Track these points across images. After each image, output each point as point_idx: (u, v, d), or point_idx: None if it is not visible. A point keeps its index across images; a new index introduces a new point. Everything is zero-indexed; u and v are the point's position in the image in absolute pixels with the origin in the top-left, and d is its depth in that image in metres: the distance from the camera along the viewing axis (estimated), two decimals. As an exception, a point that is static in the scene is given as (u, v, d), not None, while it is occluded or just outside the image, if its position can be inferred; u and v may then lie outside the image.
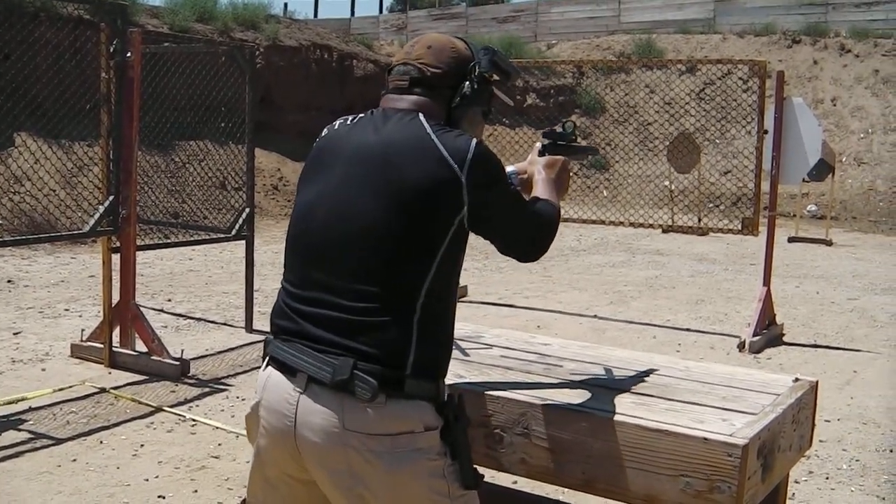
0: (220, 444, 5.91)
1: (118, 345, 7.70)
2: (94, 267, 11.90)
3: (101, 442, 5.94)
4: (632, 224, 11.15)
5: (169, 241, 8.78)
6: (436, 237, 2.55)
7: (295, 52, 21.63)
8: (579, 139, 3.29)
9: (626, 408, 2.99)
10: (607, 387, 3.23)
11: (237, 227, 8.75)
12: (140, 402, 6.73)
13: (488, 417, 3.10)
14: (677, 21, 29.84)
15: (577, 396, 3.10)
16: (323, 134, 2.82)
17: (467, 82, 2.75)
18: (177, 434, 6.11)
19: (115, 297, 7.66)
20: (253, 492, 2.80)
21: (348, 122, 2.77)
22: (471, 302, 10.85)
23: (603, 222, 11.05)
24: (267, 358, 2.67)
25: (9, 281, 11.10)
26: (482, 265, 13.62)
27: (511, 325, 9.01)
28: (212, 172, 13.66)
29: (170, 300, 10.45)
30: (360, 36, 27.40)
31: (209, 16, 21.15)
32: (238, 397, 6.91)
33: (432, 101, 2.72)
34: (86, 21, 15.54)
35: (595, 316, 10.18)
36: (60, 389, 7.00)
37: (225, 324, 9.38)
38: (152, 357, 7.48)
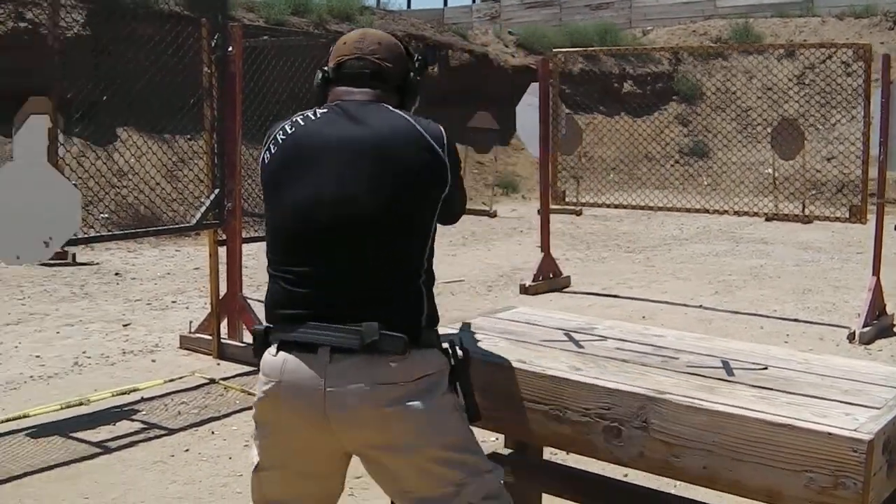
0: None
1: (226, 336, 7.80)
2: (199, 259, 12.06)
3: (213, 432, 6.03)
4: (735, 212, 11.00)
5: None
6: (432, 213, 2.91)
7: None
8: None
9: (747, 401, 2.95)
10: (726, 380, 3.20)
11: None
12: (249, 393, 6.79)
13: (606, 410, 3.09)
14: (774, 5, 29.35)
15: (696, 390, 3.06)
16: (288, 131, 2.97)
17: (412, 74, 3.09)
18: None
19: (222, 289, 7.76)
20: (266, 455, 2.95)
21: (312, 118, 2.96)
22: (574, 292, 10.82)
23: (707, 211, 10.91)
24: (275, 345, 2.85)
25: (116, 273, 11.32)
26: (584, 255, 13.58)
27: (615, 315, 8.95)
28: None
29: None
30: (454, 26, 27.39)
31: (304, 9, 21.30)
32: (344, 388, 6.96)
33: (386, 92, 3.00)
34: (184, 17, 15.73)
35: (700, 306, 10.07)
36: (171, 380, 7.12)
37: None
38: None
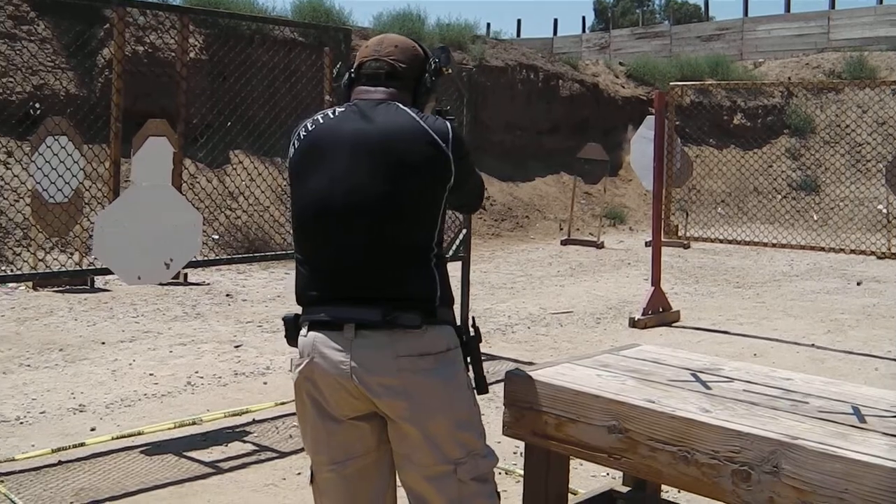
0: (439, 464, 5.94)
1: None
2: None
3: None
4: (849, 251, 10.80)
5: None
6: (437, 202, 3.18)
7: (501, 73, 21.76)
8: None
9: (881, 450, 2.87)
10: (858, 427, 3.13)
11: (454, 247, 8.81)
12: (360, 419, 6.84)
13: (736, 453, 3.04)
14: (889, 38, 28.86)
15: (830, 436, 3.00)
16: (309, 128, 3.29)
17: (427, 75, 3.35)
18: (397, 452, 6.17)
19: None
20: (314, 447, 3.26)
21: (331, 116, 3.27)
22: (684, 327, 10.69)
23: (822, 249, 10.73)
24: (305, 326, 3.15)
25: (227, 295, 11.46)
26: (693, 289, 13.43)
27: (726, 352, 8.85)
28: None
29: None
30: (564, 55, 27.38)
31: (417, 37, 21.26)
32: (455, 417, 6.95)
33: (400, 91, 3.27)
34: (299, 43, 15.98)
35: (812, 345, 9.88)
36: (282, 403, 7.15)
37: (438, 342, 9.43)
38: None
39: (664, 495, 4.35)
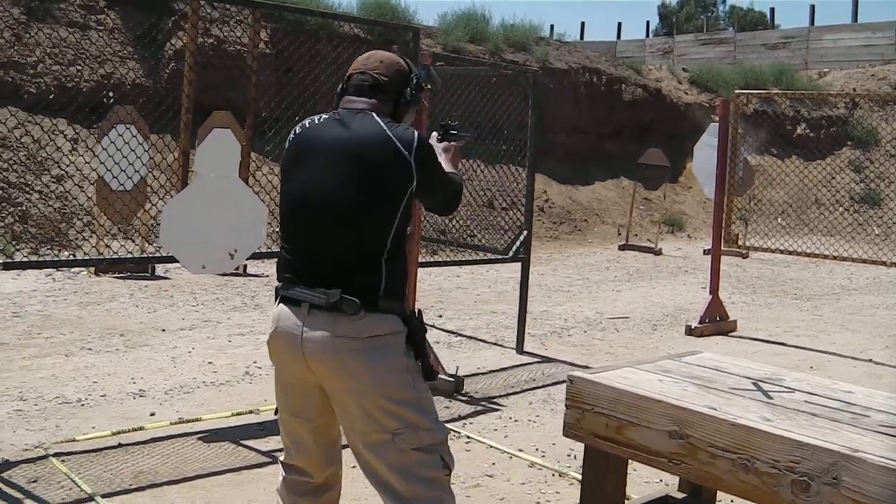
0: (493, 464, 5.97)
1: (395, 357, 7.87)
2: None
3: (379, 452, 6.08)
4: (912, 266, 10.69)
5: (452, 259, 8.92)
6: (395, 204, 3.50)
7: (564, 75, 21.73)
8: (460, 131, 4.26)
9: (944, 466, 2.88)
10: (920, 442, 3.13)
11: (514, 248, 8.83)
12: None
13: (796, 464, 3.05)
14: (958, 50, 28.51)
15: (890, 450, 3.01)
16: (297, 131, 3.70)
17: (408, 89, 3.70)
18: (452, 450, 6.18)
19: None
20: (278, 398, 3.73)
21: (317, 122, 3.66)
22: (741, 337, 10.64)
23: (884, 263, 10.63)
24: (278, 298, 3.59)
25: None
26: (750, 300, 13.36)
27: (783, 364, 8.79)
28: (481, 191, 13.83)
29: (440, 316, 10.64)
30: (627, 59, 27.27)
31: (481, 37, 21.43)
32: (511, 418, 6.98)
33: (381, 103, 3.64)
34: (364, 40, 16.04)
35: (870, 360, 9.79)
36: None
37: (496, 343, 9.48)
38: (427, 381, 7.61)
39: (719, 503, 4.36)
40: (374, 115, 3.57)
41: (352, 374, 3.43)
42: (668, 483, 5.56)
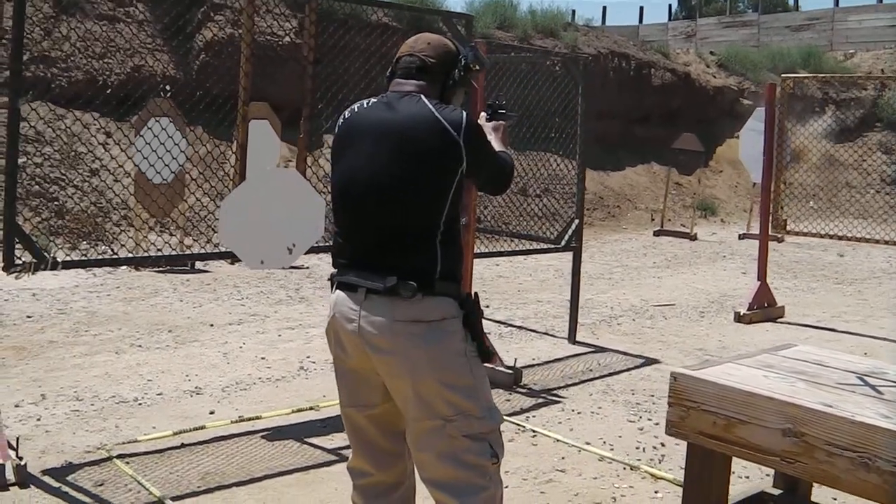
0: (563, 458, 5.87)
1: (453, 349, 7.78)
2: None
3: (446, 447, 5.99)
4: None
5: (508, 250, 8.79)
6: (446, 184, 3.49)
7: (593, 60, 21.52)
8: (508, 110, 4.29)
9: None
10: None
11: (566, 237, 8.72)
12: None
13: (924, 462, 2.94)
14: None
15: None
16: (346, 116, 3.72)
17: (456, 70, 3.70)
18: (518, 444, 6.10)
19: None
20: (339, 391, 3.76)
21: (366, 106, 3.69)
22: (789, 323, 10.52)
23: (934, 246, 10.47)
24: (334, 285, 3.63)
25: (329, 280, 11.44)
26: (792, 285, 13.22)
27: (838, 350, 8.66)
28: (515, 179, 13.69)
29: (487, 306, 10.53)
30: (654, 44, 27.08)
31: (509, 23, 21.32)
32: (573, 410, 6.87)
33: (430, 84, 3.64)
34: (391, 28, 15.92)
35: (925, 345, 9.68)
36: (397, 391, 7.14)
37: (546, 333, 9.38)
38: (485, 364, 7.51)
39: (814, 498, 4.25)
40: (421, 97, 3.57)
41: (409, 359, 3.45)
42: (743, 476, 5.46)
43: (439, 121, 3.48)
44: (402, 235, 3.51)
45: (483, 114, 4.23)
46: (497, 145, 3.93)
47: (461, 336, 3.51)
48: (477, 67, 3.77)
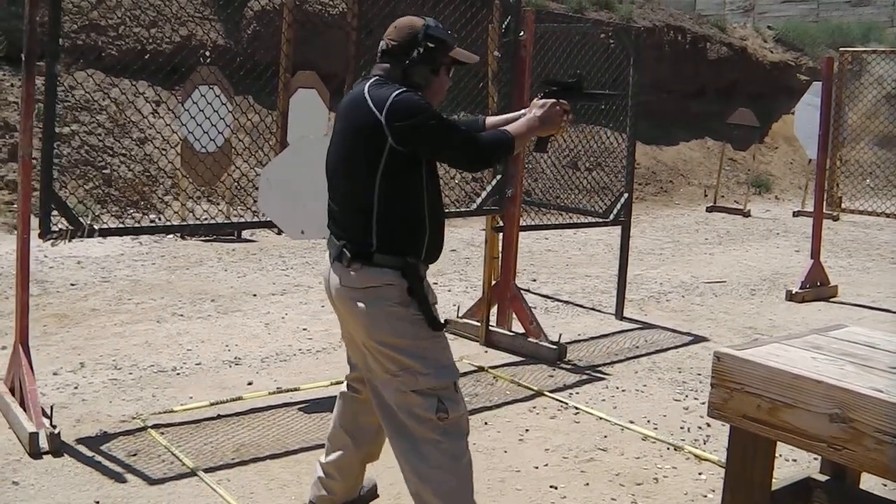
0: (605, 437, 5.75)
1: (494, 324, 7.68)
2: (454, 241, 12.07)
3: (486, 423, 5.89)
4: None
5: (553, 223, 8.67)
6: (375, 161, 3.76)
7: (649, 34, 21.22)
8: (590, 89, 4.45)
9: None
10: None
11: (615, 211, 8.56)
12: (520, 385, 6.67)
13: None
14: None
15: None
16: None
17: (415, 50, 3.86)
18: (560, 421, 5.99)
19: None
20: (342, 334, 4.23)
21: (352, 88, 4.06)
22: (843, 303, 10.31)
23: None
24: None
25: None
26: (846, 264, 12.97)
27: (891, 331, 8.44)
28: (564, 152, 13.53)
29: (534, 280, 10.41)
30: (711, 17, 26.70)
31: (555, -5, 21.07)
32: (618, 387, 6.75)
33: (392, 66, 3.91)
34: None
35: (984, 327, 9.42)
36: (439, 365, 7.04)
37: (593, 308, 9.25)
38: (529, 339, 7.42)
39: (863, 485, 4.10)
40: (373, 78, 3.89)
41: (353, 320, 3.88)
42: (790, 459, 5.32)
43: (366, 101, 3.76)
44: (346, 209, 3.91)
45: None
46: (515, 124, 4.10)
47: (401, 301, 3.80)
48: (430, 45, 3.87)
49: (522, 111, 4.33)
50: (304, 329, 7.85)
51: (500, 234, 7.63)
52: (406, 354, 3.78)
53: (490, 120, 4.46)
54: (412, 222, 3.84)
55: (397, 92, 3.74)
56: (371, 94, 3.77)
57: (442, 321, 3.92)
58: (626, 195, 8.66)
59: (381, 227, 3.78)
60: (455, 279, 10.12)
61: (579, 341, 7.96)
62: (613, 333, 8.32)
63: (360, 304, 3.80)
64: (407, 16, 4.02)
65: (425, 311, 3.82)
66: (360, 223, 3.81)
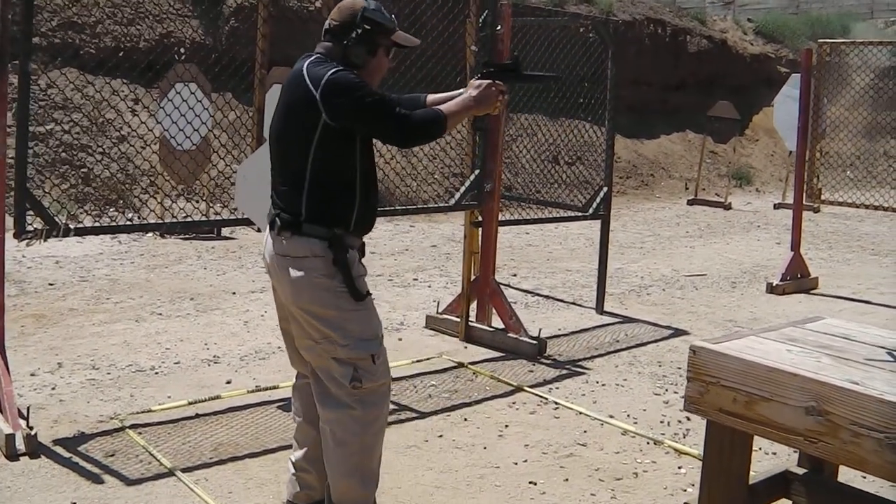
0: (585, 432, 5.73)
1: (474, 319, 7.67)
2: (434, 236, 12.05)
3: (465, 419, 5.87)
4: None
5: (532, 217, 8.63)
6: (309, 136, 3.92)
7: (628, 27, 21.21)
8: (526, 70, 4.44)
9: None
10: None
11: (594, 205, 8.55)
12: (500, 380, 6.65)
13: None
14: None
15: None
16: None
17: (354, 31, 4.01)
18: (540, 416, 5.97)
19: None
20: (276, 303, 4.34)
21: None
22: (823, 295, 10.32)
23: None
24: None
25: (354, 247, 11.32)
26: (827, 255, 12.99)
27: (872, 323, 8.45)
28: (544, 147, 13.51)
29: (515, 275, 10.40)
30: (691, 10, 26.70)
31: (539, -12, 21.04)
32: (598, 382, 6.74)
33: (333, 45, 4.06)
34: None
35: (964, 318, 9.43)
36: (418, 361, 7.04)
37: (574, 303, 9.23)
38: (509, 334, 7.41)
39: (842, 477, 4.10)
40: (314, 56, 4.06)
41: (283, 287, 4.05)
42: (770, 452, 5.32)
43: (303, 77, 3.94)
44: (283, 180, 4.07)
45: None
46: (449, 104, 4.25)
47: (326, 272, 3.94)
48: (367, 27, 4.02)
49: (462, 90, 4.46)
50: (284, 326, 7.81)
51: (480, 230, 7.61)
52: (327, 324, 3.97)
53: (431, 97, 4.55)
54: (342, 195, 4.01)
55: (332, 70, 3.90)
56: (309, 71, 3.95)
57: (365, 293, 4.02)
58: (605, 189, 8.64)
59: (311, 198, 3.96)
60: (435, 275, 10.10)
61: (559, 336, 7.94)
62: (594, 328, 8.31)
63: (290, 272, 3.97)
64: None
65: (349, 284, 3.95)
66: (293, 194, 3.99)
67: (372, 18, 4.03)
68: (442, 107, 4.20)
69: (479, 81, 4.30)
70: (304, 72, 3.96)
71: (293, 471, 4.39)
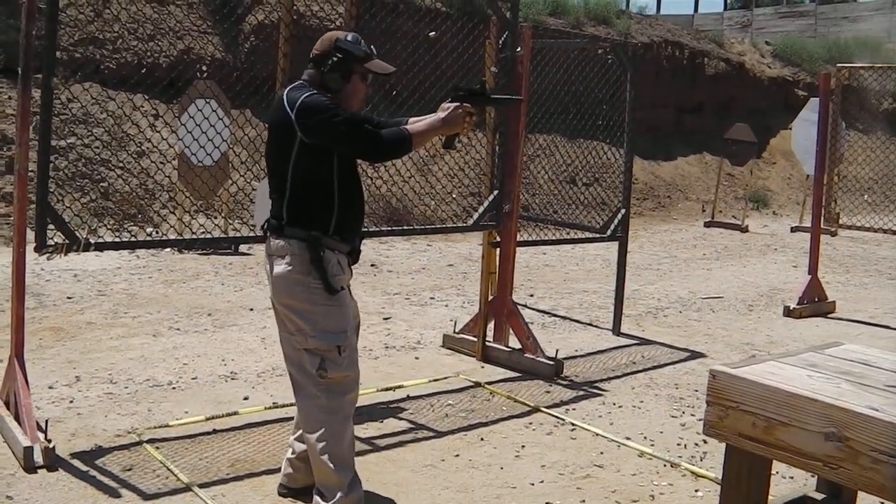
0: (601, 453, 5.73)
1: (491, 339, 7.67)
2: (451, 255, 12.05)
3: (482, 439, 5.88)
4: None
5: (550, 238, 8.62)
6: (288, 152, 4.41)
7: (646, 49, 21.27)
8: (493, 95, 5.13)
9: None
10: None
11: (612, 227, 8.56)
12: (516, 401, 6.65)
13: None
14: None
15: None
16: None
17: (330, 60, 4.46)
18: (557, 437, 5.97)
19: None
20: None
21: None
22: (840, 319, 10.30)
23: None
24: None
25: (372, 265, 11.36)
26: (844, 279, 12.97)
27: (889, 347, 8.43)
28: (562, 167, 13.56)
29: (532, 295, 10.40)
30: (708, 33, 26.74)
31: (561, 10, 21.10)
32: (614, 403, 6.73)
33: (315, 72, 4.53)
34: (441, 13, 15.77)
35: (982, 344, 9.40)
36: (435, 380, 7.04)
37: (590, 324, 9.24)
38: (526, 354, 7.41)
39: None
40: (297, 82, 4.55)
41: (269, 281, 4.59)
42: (787, 476, 5.31)
43: (283, 101, 4.43)
44: (272, 190, 4.58)
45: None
46: (417, 124, 4.71)
47: (303, 270, 4.42)
48: (339, 56, 4.45)
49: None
50: (301, 344, 7.83)
51: (498, 250, 7.63)
52: (300, 317, 4.45)
53: (412, 120, 4.89)
54: (320, 202, 4.46)
55: (307, 94, 4.39)
56: (287, 95, 4.44)
57: (338, 288, 4.47)
58: (622, 211, 8.65)
59: (291, 205, 4.46)
60: (452, 294, 10.11)
61: (576, 357, 7.95)
62: (610, 349, 8.31)
63: (274, 268, 4.49)
64: (335, 31, 4.72)
65: (323, 280, 4.42)
66: (279, 201, 4.50)
67: (344, 48, 4.47)
68: (409, 126, 4.69)
69: (447, 104, 4.75)
70: (284, 96, 4.46)
71: (290, 455, 4.89)
